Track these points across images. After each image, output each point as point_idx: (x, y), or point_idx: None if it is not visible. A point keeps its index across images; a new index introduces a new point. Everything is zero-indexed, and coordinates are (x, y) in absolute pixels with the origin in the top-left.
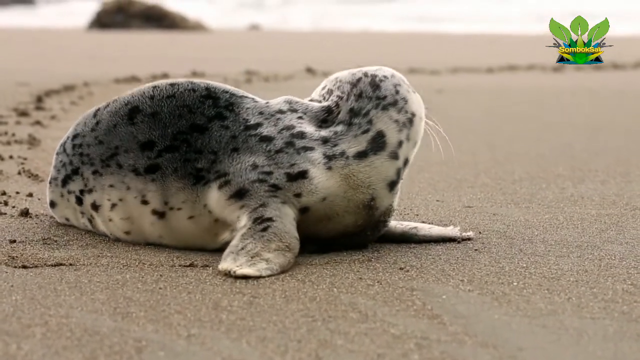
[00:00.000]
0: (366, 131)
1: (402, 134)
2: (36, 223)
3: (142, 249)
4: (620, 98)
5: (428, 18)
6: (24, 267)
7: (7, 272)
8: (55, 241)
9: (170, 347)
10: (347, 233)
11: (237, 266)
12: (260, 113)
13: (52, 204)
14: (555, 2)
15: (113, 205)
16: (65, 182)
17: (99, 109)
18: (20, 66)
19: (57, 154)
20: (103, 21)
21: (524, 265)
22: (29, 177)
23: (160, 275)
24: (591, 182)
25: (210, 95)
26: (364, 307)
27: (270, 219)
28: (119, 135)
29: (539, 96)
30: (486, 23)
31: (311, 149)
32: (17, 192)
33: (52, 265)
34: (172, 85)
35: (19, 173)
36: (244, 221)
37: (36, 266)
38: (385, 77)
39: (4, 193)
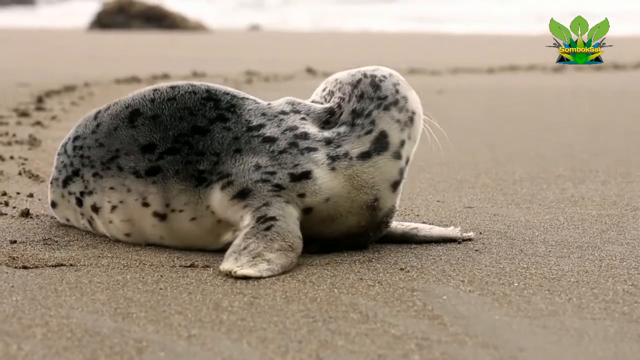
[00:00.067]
0: (369, 132)
1: (404, 133)
2: (37, 223)
3: (143, 249)
4: (620, 98)
5: (428, 18)
6: (25, 267)
7: (7, 273)
8: (56, 242)
9: (171, 348)
10: (350, 234)
11: (238, 266)
12: (263, 114)
13: (53, 204)
14: (555, 2)
15: (113, 208)
16: (66, 183)
17: (99, 112)
18: (21, 66)
19: (59, 154)
20: (103, 21)
21: (525, 265)
22: (30, 177)
23: (161, 276)
24: (592, 183)
25: (211, 97)
26: (365, 307)
27: (273, 218)
28: (120, 138)
29: (540, 96)
30: (486, 23)
31: (315, 149)
32: (18, 193)
33: (52, 266)
34: (172, 87)
35: (20, 173)
36: (247, 220)
37: (37, 267)
38: (384, 76)
39: (4, 194)
